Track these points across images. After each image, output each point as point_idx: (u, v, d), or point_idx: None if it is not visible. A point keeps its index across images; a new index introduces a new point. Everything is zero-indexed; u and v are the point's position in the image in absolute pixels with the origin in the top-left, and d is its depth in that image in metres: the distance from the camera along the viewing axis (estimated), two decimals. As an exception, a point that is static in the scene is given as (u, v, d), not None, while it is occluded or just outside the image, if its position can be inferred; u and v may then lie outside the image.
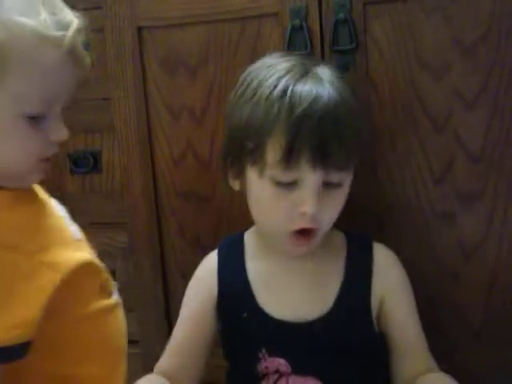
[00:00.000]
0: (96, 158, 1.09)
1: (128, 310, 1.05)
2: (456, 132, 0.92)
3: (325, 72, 0.82)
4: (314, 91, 0.77)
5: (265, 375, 0.85)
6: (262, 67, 0.83)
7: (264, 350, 0.85)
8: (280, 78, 0.79)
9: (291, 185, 0.80)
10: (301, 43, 0.94)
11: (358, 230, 0.93)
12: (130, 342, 1.06)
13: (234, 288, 0.88)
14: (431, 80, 0.92)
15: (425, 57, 0.91)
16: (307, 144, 0.76)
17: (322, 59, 0.94)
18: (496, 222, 0.93)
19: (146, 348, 1.09)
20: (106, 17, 1.02)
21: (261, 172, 0.80)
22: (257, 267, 0.89)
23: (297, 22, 0.93)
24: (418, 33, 0.91)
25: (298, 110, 0.76)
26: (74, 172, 1.10)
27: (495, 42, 0.89)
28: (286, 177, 0.79)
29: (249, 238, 0.92)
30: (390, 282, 0.87)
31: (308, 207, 0.79)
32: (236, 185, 0.87)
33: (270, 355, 0.85)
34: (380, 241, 0.93)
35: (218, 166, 0.96)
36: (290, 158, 0.77)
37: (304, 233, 0.82)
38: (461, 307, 0.96)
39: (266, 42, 0.97)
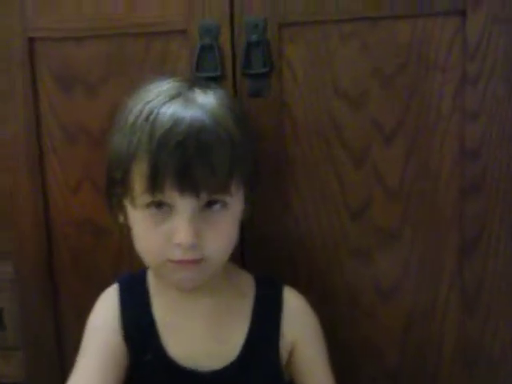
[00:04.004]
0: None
1: (14, 348, 0.97)
2: (374, 166, 0.88)
3: (202, 96, 0.76)
4: (177, 114, 0.72)
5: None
6: (139, 93, 0.78)
7: (165, 398, 0.78)
8: (147, 102, 0.75)
9: (164, 213, 0.74)
10: (211, 64, 0.87)
11: (268, 267, 0.87)
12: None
13: (138, 327, 0.81)
14: (349, 110, 0.87)
15: (342, 85, 0.87)
16: (170, 168, 0.71)
17: (234, 83, 0.88)
18: (413, 262, 0.89)
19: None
20: (-8, 25, 0.91)
21: (132, 202, 0.76)
22: (161, 305, 0.82)
23: (207, 41, 0.86)
24: (335, 59, 0.86)
25: (158, 134, 0.72)
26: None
27: (414, 71, 0.85)
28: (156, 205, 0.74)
29: (152, 274, 0.85)
30: (300, 328, 0.82)
31: (182, 237, 0.73)
32: (121, 218, 0.82)
33: (171, 404, 0.78)
34: (292, 279, 0.88)
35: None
36: (154, 184, 0.72)
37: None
38: (377, 349, 0.92)
39: (174, 61, 0.89)
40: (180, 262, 0.75)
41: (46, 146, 0.94)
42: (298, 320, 0.82)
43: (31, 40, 0.91)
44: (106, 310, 0.83)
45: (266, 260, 0.88)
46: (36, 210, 0.95)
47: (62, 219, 0.96)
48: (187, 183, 0.72)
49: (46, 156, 0.94)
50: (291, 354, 0.82)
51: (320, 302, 0.86)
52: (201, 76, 0.86)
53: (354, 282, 0.90)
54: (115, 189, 0.78)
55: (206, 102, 0.75)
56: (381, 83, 0.86)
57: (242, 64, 0.86)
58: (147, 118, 0.73)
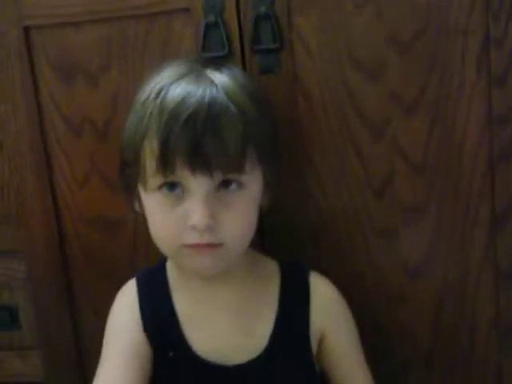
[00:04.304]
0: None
1: (30, 347, 0.94)
2: (395, 139, 0.83)
3: (215, 73, 0.72)
4: (188, 89, 0.70)
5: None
6: (152, 75, 0.74)
7: (191, 397, 0.75)
8: (159, 82, 0.72)
9: (177, 195, 0.71)
10: (217, 43, 0.82)
11: (290, 254, 0.83)
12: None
13: (159, 322, 0.77)
14: (366, 81, 0.82)
15: (358, 55, 0.82)
16: (180, 146, 0.68)
17: (243, 61, 0.83)
18: (442, 238, 0.85)
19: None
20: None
21: (145, 185, 0.73)
22: (183, 297, 0.79)
23: (211, 18, 0.81)
24: (349, 28, 0.81)
25: (168, 108, 0.69)
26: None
27: (433, 37, 0.80)
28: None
29: (171, 266, 0.81)
30: (329, 315, 0.79)
31: (196, 218, 0.69)
32: (137, 206, 0.78)
33: (197, 402, 0.75)
34: (315, 264, 0.83)
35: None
36: (165, 163, 0.69)
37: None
38: (409, 330, 0.88)
39: (178, 42, 0.85)
40: (196, 247, 0.71)
41: (51, 140, 0.90)
42: (327, 306, 0.79)
43: (27, 29, 0.87)
44: (125, 308, 0.79)
45: (287, 246, 0.84)
46: (45, 207, 0.92)
47: (73, 215, 0.92)
48: (198, 160, 0.68)
49: (52, 151, 0.91)
50: (321, 343, 0.78)
51: (346, 286, 0.82)
52: (207, 56, 0.81)
53: (380, 263, 0.86)
54: (128, 172, 0.74)
55: (218, 78, 0.71)
56: (398, 51, 0.81)
57: (250, 40, 0.82)
58: (158, 95, 0.70)
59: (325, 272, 0.82)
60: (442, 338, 0.88)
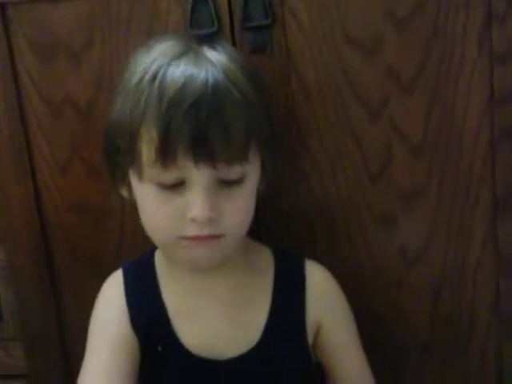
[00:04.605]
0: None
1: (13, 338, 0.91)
2: (393, 120, 0.80)
3: (212, 53, 0.68)
4: (189, 72, 0.65)
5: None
6: (141, 52, 0.69)
7: (179, 393, 0.72)
8: (152, 61, 0.67)
9: (177, 187, 0.67)
10: (206, 19, 0.78)
11: (286, 241, 0.80)
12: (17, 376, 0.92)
13: (147, 315, 0.74)
14: (362, 59, 0.78)
15: (353, 31, 0.78)
16: (182, 135, 0.63)
17: (233, 38, 0.79)
18: (441, 223, 0.82)
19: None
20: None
21: (140, 174, 0.68)
22: (172, 289, 0.75)
23: (199, -8, 0.77)
24: (343, 3, 0.77)
25: (169, 93, 0.64)
26: None
27: (433, 11, 0.76)
28: (167, 177, 0.66)
29: (160, 256, 0.78)
30: (325, 304, 0.76)
31: (197, 212, 0.65)
32: (124, 192, 0.74)
33: (187, 398, 0.72)
34: (313, 251, 0.81)
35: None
36: (165, 153, 0.64)
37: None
38: (407, 318, 0.86)
39: (164, 18, 0.80)
40: (195, 239, 0.67)
41: (31, 122, 0.85)
42: (324, 296, 0.76)
43: (3, 6, 0.81)
44: (111, 301, 0.76)
45: (282, 234, 0.81)
46: (26, 194, 0.87)
47: (55, 202, 0.88)
48: (202, 151, 0.64)
49: (31, 134, 0.86)
50: (318, 334, 0.75)
51: (342, 274, 0.79)
52: (195, 33, 0.77)
53: (378, 250, 0.84)
54: (119, 159, 0.70)
55: (217, 59, 0.67)
56: (396, 27, 0.77)
57: (240, 16, 0.77)
58: (154, 77, 0.65)
59: (320, 259, 0.79)
60: (440, 326, 0.86)
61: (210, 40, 0.71)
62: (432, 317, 0.85)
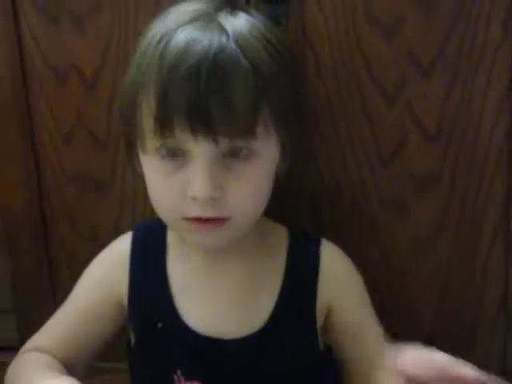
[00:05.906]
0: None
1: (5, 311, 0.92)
2: (409, 104, 0.77)
3: (228, 18, 0.65)
4: (193, 36, 0.62)
5: (178, 403, 0.70)
6: (159, 17, 0.67)
7: (179, 372, 0.70)
8: (163, 27, 0.64)
9: (178, 160, 0.64)
10: (220, -10, 0.75)
11: (291, 223, 0.77)
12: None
13: (148, 290, 0.72)
14: (382, 39, 0.76)
15: (374, 9, 0.75)
16: (179, 102, 0.60)
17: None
18: (452, 212, 0.80)
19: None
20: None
21: (143, 145, 0.66)
22: (179, 266, 0.73)
23: (215, -39, 0.74)
24: (365, -21, 0.75)
25: (169, 57, 0.61)
26: None
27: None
28: (167, 150, 0.64)
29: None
30: (340, 287, 0.73)
31: (197, 189, 0.62)
32: (138, 166, 0.71)
33: (187, 378, 0.70)
34: (317, 234, 0.77)
35: (117, 143, 0.81)
36: (162, 122, 0.61)
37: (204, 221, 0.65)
38: (413, 309, 0.84)
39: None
40: (198, 221, 0.64)
41: (34, 89, 0.83)
42: (337, 278, 0.73)
43: (7, -35, 0.79)
44: (111, 264, 0.75)
45: (287, 217, 0.78)
46: (25, 162, 0.85)
47: (55, 173, 0.86)
48: (200, 121, 0.60)
49: (34, 100, 0.83)
50: (330, 315, 0.72)
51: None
52: None
53: (386, 237, 0.81)
54: (127, 130, 0.68)
55: (231, 24, 0.64)
56: (418, 6, 0.74)
57: (257, -14, 0.75)
58: (159, 41, 0.63)
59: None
60: (446, 319, 0.84)
61: (234, 6, 0.67)
62: (439, 308, 0.83)
